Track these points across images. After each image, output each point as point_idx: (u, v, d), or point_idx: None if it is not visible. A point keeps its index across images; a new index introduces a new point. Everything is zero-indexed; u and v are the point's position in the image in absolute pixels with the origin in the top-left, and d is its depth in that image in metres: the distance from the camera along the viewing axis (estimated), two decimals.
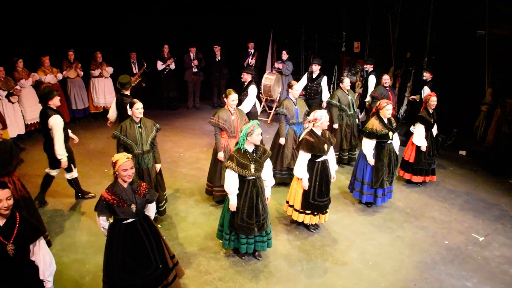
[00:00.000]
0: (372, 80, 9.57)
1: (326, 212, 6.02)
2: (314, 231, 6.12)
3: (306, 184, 5.70)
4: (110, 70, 10.57)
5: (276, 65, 10.81)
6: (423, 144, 7.25)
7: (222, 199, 6.28)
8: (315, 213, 5.91)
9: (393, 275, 5.29)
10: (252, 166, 4.88)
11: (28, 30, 9.94)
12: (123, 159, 4.03)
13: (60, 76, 9.85)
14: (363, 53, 10.86)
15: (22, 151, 5.54)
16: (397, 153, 6.68)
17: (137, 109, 5.69)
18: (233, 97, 6.30)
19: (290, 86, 7.27)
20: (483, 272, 5.38)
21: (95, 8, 11.00)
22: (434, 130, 7.49)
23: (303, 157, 5.67)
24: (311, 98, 9.54)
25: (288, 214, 6.13)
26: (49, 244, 5.53)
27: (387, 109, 6.38)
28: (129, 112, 5.78)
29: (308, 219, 5.93)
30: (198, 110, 11.87)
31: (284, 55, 10.81)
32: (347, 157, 8.35)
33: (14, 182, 5.19)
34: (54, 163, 6.30)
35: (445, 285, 5.14)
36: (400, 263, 5.51)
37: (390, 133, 6.42)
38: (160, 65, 11.04)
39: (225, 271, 5.25)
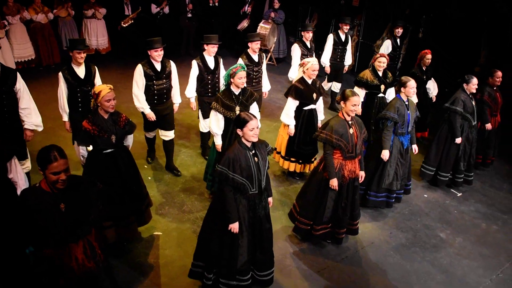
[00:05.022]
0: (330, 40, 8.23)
1: (312, 162, 6.11)
2: (298, 178, 6.25)
3: (292, 131, 5.75)
4: (103, 11, 10.33)
5: (269, 14, 10.58)
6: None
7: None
8: (300, 161, 6.01)
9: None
10: (237, 108, 4.90)
11: None
12: (106, 90, 4.07)
13: (51, 15, 9.66)
14: (362, 8, 10.66)
15: None
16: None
17: (252, 130, 3.74)
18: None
19: (403, 84, 5.36)
20: (456, 225, 5.58)
21: None
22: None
23: (291, 104, 5.69)
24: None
25: (276, 161, 6.22)
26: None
27: (379, 61, 6.26)
28: (239, 132, 3.82)
29: (293, 166, 6.04)
30: (192, 57, 11.56)
31: (276, 4, 10.48)
32: (461, 180, 6.36)
33: None
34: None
35: (419, 234, 5.34)
36: (379, 212, 5.69)
37: (382, 86, 6.38)
38: (154, 9, 10.71)
39: None
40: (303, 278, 4.52)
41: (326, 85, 8.43)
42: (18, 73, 4.80)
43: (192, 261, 4.13)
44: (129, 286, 4.20)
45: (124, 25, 10.24)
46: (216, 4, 11.15)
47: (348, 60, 8.41)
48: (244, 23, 11.05)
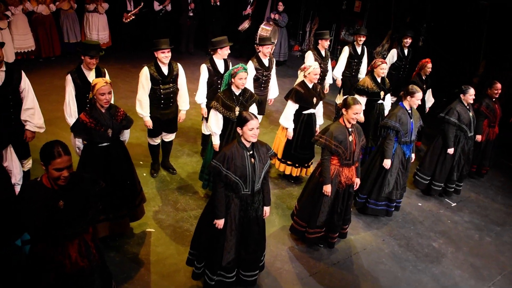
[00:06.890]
0: (345, 52, 7.81)
1: (309, 166, 6.11)
2: (293, 182, 6.24)
3: (291, 134, 5.75)
4: (105, 6, 10.31)
5: (272, 15, 10.61)
6: None
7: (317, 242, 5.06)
8: (297, 165, 6.00)
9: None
10: (237, 109, 4.89)
11: None
12: (101, 83, 4.04)
13: (53, 7, 9.64)
14: (363, 13, 10.69)
15: None
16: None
17: (252, 129, 3.70)
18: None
19: (411, 93, 5.28)
20: (449, 235, 5.58)
21: None
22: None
23: (291, 107, 5.68)
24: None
25: (272, 163, 6.21)
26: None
27: (381, 68, 6.25)
28: (238, 131, 3.77)
29: (290, 170, 6.03)
30: (192, 55, 11.63)
31: (280, 6, 10.57)
32: (452, 189, 6.38)
33: None
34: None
35: (412, 242, 5.34)
36: (372, 219, 5.69)
37: (382, 93, 6.37)
38: (156, 6, 10.74)
39: (202, 210, 5.34)
40: (293, 281, 4.50)
41: (340, 99, 7.86)
42: (23, 72, 4.67)
43: (189, 249, 4.18)
44: (119, 282, 4.16)
45: (125, 21, 10.24)
46: (218, 3, 11.17)
47: (364, 72, 7.89)
48: (245, 24, 11.07)
